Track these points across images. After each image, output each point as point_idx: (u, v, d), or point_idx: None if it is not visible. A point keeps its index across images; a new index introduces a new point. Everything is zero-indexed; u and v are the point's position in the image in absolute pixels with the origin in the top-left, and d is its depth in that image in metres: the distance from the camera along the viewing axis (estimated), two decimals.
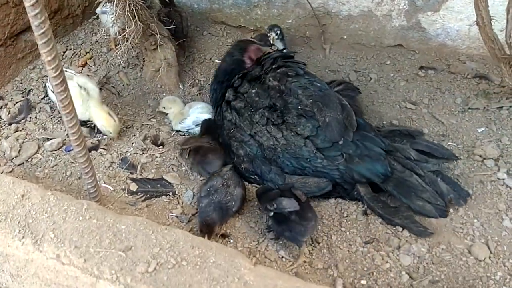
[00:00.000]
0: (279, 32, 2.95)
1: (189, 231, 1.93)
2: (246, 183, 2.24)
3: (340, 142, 2.15)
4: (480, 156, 2.31)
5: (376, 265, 1.87)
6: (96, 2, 2.92)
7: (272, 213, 1.91)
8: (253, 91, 2.30)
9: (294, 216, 1.87)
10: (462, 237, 1.96)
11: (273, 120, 2.23)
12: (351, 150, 2.14)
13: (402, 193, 2.08)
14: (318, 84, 2.29)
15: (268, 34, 2.95)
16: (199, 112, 2.63)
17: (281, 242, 1.97)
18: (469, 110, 2.62)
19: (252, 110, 2.28)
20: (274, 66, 2.34)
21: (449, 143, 2.43)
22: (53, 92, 1.90)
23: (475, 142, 2.42)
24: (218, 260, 1.44)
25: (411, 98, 2.77)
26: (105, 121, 2.41)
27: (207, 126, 2.51)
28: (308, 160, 2.17)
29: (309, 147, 2.16)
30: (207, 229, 1.93)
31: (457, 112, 2.63)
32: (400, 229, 2.01)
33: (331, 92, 2.30)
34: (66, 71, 2.58)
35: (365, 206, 2.12)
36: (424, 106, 2.70)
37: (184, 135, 2.65)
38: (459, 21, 2.89)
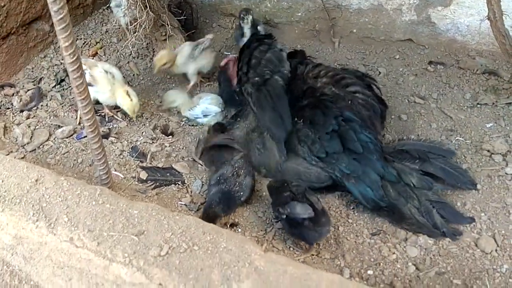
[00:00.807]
0: (251, 17, 2.87)
1: None
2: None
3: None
4: (488, 151, 2.31)
5: (383, 256, 1.89)
6: None
7: (284, 216, 1.87)
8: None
9: (308, 222, 1.82)
10: (469, 230, 1.97)
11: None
12: (346, 168, 2.09)
13: (393, 221, 2.03)
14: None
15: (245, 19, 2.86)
16: (208, 103, 2.64)
17: None
18: (478, 106, 2.61)
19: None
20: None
21: (457, 138, 2.43)
22: None
23: (483, 137, 2.42)
24: (229, 245, 1.46)
25: (420, 93, 2.77)
26: (122, 99, 2.43)
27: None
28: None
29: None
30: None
31: (465, 107, 2.63)
32: None
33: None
34: (87, 60, 2.62)
35: None
36: (432, 101, 2.70)
37: (192, 125, 2.66)
38: (470, 16, 2.88)
